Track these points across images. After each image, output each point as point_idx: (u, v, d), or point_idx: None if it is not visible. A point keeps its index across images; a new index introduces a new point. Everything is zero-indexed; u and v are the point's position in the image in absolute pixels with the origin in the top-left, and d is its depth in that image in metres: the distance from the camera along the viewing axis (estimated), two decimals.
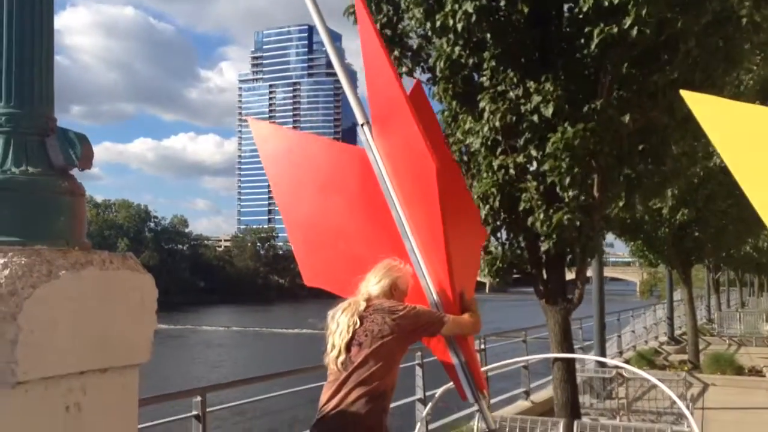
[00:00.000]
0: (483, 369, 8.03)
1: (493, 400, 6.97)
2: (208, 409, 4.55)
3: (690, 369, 14.07)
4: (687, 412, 5.76)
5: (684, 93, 3.49)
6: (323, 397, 3.28)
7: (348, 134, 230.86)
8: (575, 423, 5.00)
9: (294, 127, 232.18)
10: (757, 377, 13.38)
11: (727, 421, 9.82)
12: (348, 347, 3.25)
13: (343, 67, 3.86)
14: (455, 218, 3.43)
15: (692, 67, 5.48)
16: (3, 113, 2.39)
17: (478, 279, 4.61)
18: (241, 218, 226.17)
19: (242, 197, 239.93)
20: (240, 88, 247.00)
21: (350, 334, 3.26)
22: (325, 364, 3.32)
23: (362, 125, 3.67)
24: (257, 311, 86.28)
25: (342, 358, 3.22)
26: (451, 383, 6.27)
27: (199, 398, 4.47)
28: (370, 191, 3.63)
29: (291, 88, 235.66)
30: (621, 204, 5.87)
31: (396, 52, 6.00)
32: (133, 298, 2.59)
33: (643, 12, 4.84)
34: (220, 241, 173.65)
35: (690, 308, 15.97)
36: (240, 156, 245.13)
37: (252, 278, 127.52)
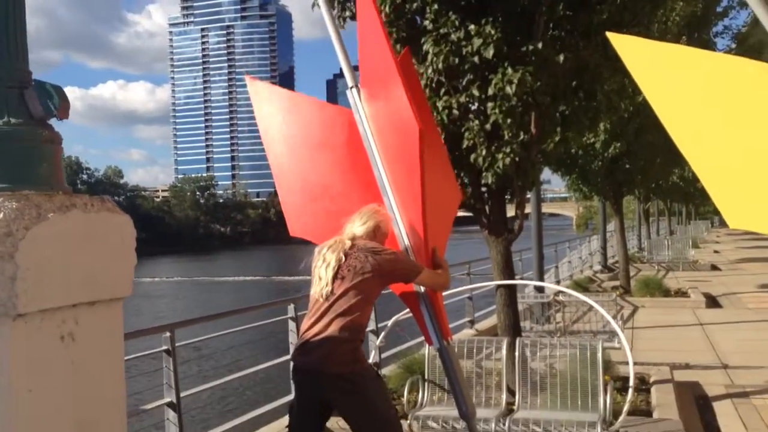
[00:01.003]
0: None
1: None
2: (177, 344, 4.81)
3: (621, 293, 14.98)
4: (617, 329, 6.33)
5: (610, 35, 3.79)
6: (305, 325, 3.55)
7: (284, 78, 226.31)
8: (517, 340, 5.47)
9: (229, 72, 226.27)
10: (682, 298, 14.37)
11: (654, 337, 10.65)
12: (333, 280, 3.50)
13: (338, 36, 4.05)
14: (434, 179, 3.71)
15: (621, 8, 5.80)
16: None
17: None
18: (179, 167, 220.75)
19: (179, 146, 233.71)
20: (170, 33, 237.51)
21: (336, 269, 3.50)
22: (310, 295, 3.58)
23: (351, 88, 3.90)
24: (199, 261, 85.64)
25: (327, 289, 3.47)
26: (402, 313, 6.68)
27: (168, 334, 4.72)
28: (356, 151, 3.90)
29: (224, 32, 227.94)
30: (557, 139, 6.23)
31: None
32: (114, 238, 2.79)
33: None
34: (158, 191, 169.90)
35: (621, 237, 16.80)
36: (174, 103, 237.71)
37: (193, 228, 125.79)
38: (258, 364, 6.12)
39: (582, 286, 15.72)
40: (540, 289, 10.49)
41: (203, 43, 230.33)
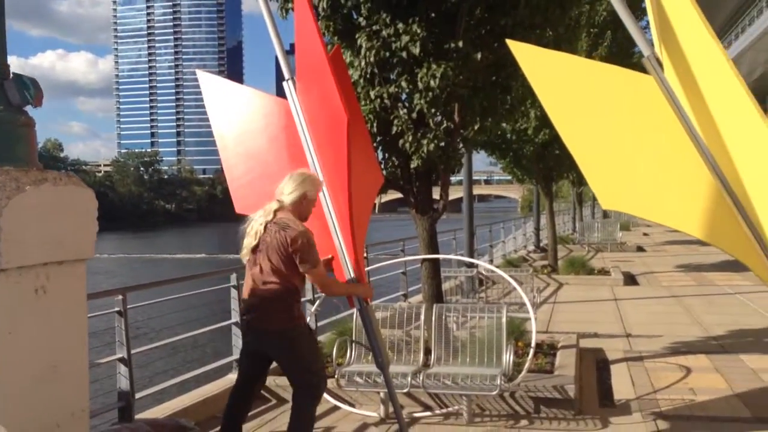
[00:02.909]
0: (367, 269, 9.16)
1: (375, 302, 8.12)
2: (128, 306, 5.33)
3: (549, 272, 15.99)
4: (525, 298, 7.10)
5: (509, 42, 4.44)
6: (245, 289, 4.12)
7: (232, 53, 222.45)
8: (435, 306, 6.18)
9: (175, 45, 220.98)
10: (603, 276, 15.42)
11: (572, 310, 11.58)
12: (255, 250, 4.02)
13: (276, 32, 4.59)
14: (358, 164, 4.35)
15: (533, 12, 6.50)
16: None
17: None
18: (122, 142, 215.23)
19: (122, 119, 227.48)
20: (114, 2, 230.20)
21: (257, 240, 4.01)
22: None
23: (287, 81, 4.48)
24: (143, 237, 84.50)
25: (252, 259, 4.03)
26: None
27: (120, 297, 5.24)
28: (292, 136, 4.51)
29: (170, 3, 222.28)
30: (476, 127, 6.91)
31: None
32: (79, 208, 3.34)
33: None
34: (100, 166, 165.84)
35: (550, 219, 17.78)
36: (117, 76, 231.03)
37: (136, 204, 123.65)
38: (201, 328, 6.67)
39: (514, 265, 16.61)
40: (470, 266, 11.28)
41: (149, 14, 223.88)
